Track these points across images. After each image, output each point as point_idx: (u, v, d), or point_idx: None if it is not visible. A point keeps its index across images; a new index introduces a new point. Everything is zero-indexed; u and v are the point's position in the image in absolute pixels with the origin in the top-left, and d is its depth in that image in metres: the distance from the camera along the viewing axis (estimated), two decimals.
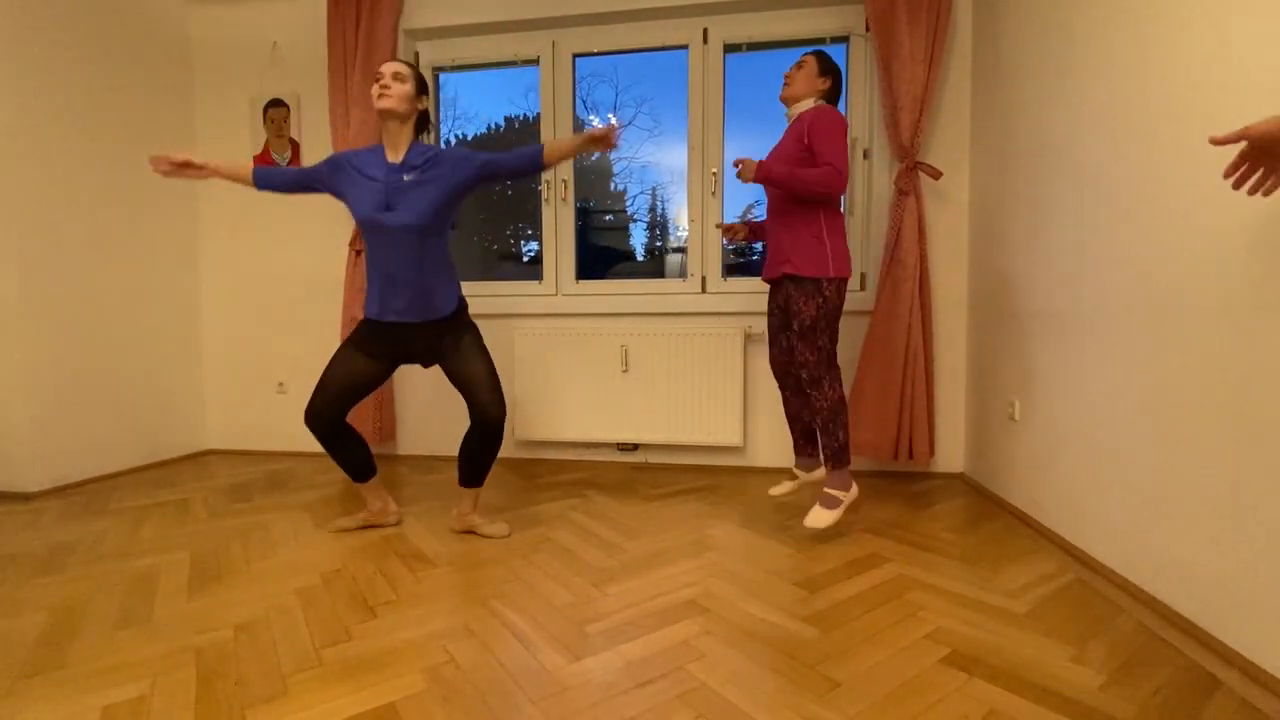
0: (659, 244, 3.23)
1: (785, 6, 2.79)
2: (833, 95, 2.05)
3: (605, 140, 1.87)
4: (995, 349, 2.40)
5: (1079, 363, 1.85)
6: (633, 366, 2.86)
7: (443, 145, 3.31)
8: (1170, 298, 1.48)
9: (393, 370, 2.06)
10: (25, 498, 2.53)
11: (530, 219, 3.31)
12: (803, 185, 1.88)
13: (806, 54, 2.06)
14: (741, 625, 1.47)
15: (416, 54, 3.15)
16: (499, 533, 2.06)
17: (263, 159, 3.22)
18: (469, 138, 3.36)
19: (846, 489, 1.98)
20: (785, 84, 2.07)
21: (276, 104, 3.19)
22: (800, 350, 1.96)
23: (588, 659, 1.34)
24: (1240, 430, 1.29)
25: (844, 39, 2.81)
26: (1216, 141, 0.99)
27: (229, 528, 2.18)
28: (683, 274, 3.03)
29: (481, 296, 3.13)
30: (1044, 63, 2.05)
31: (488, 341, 3.05)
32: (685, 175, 2.98)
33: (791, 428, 2.20)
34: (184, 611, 1.56)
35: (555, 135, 3.05)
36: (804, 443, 2.19)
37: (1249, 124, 0.95)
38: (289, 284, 3.25)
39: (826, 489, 1.98)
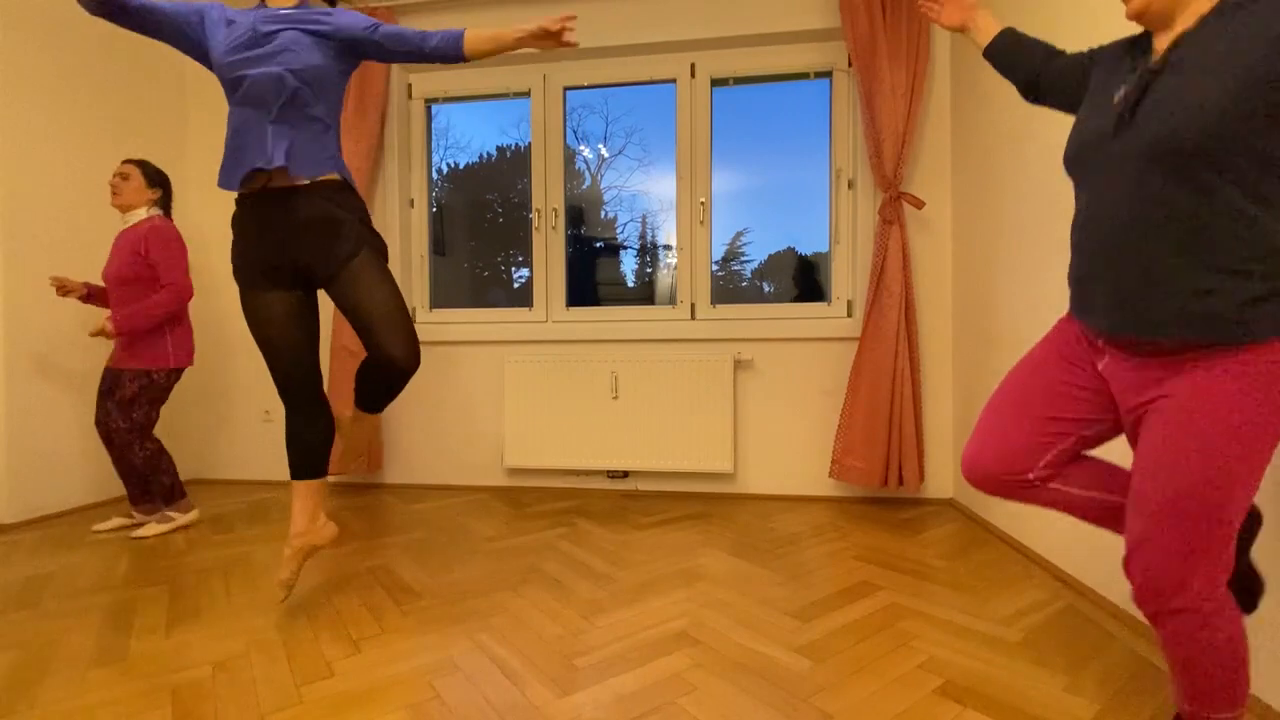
0: (649, 271, 3.26)
1: (770, 43, 2.88)
2: (165, 202, 2.40)
3: (558, 36, 1.55)
4: (981, 374, 2.43)
5: None
6: (623, 393, 2.86)
7: (434, 175, 3.34)
8: None
9: (310, 291, 1.68)
10: None
11: (521, 245, 3.33)
12: (158, 317, 2.27)
13: (129, 163, 2.34)
14: (733, 657, 1.45)
15: (409, 86, 3.20)
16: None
17: None
18: (460, 167, 3.40)
19: (186, 512, 2.47)
20: (113, 193, 2.32)
21: None
22: (114, 418, 2.31)
23: (577, 693, 1.31)
24: None
25: (827, 74, 2.89)
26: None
27: (209, 560, 2.13)
28: (672, 301, 3.06)
29: (471, 324, 3.13)
30: (1019, 97, 2.11)
31: (478, 369, 3.06)
32: (674, 204, 3.02)
33: (125, 483, 2.43)
34: (161, 648, 1.52)
35: (546, 166, 3.10)
36: (132, 494, 2.44)
37: None
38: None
39: (168, 513, 2.43)
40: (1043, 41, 1.26)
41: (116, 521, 2.47)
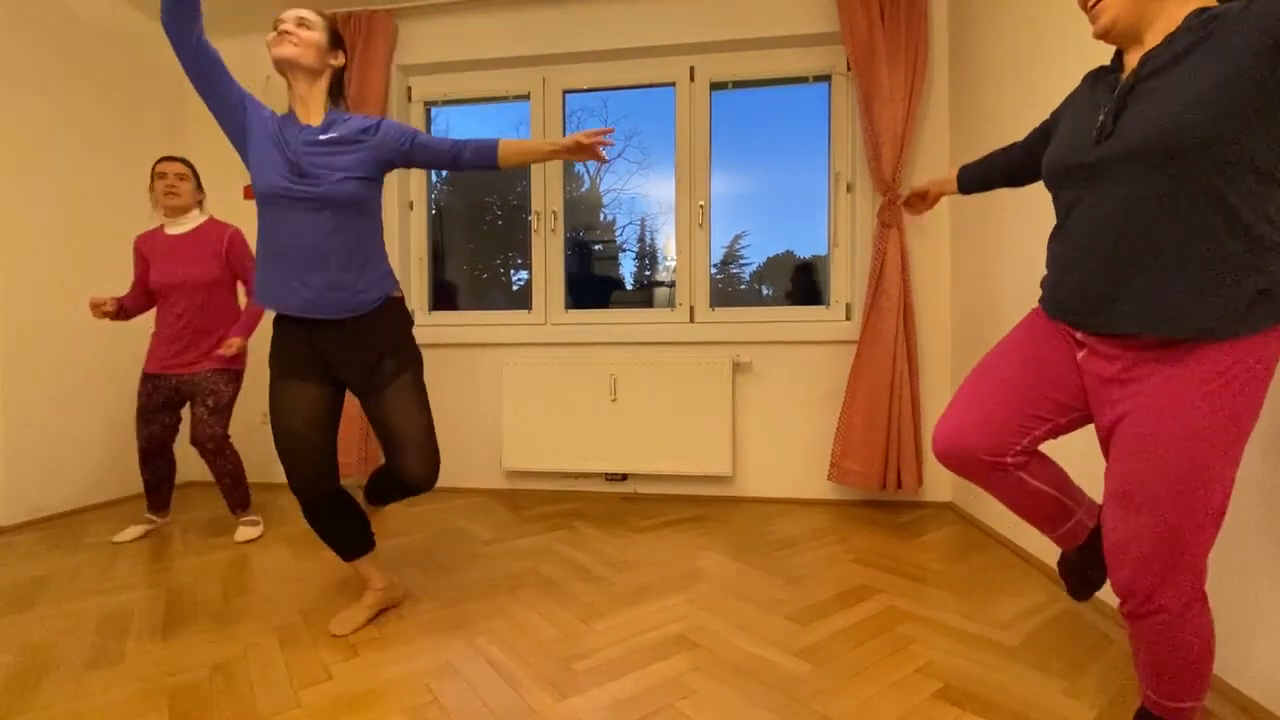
0: (648, 274, 3.26)
1: (769, 47, 2.89)
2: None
3: (591, 150, 1.57)
4: None
5: None
6: (621, 396, 2.86)
7: (433, 178, 3.34)
8: None
9: (340, 390, 1.63)
10: None
11: (520, 248, 3.33)
12: (257, 324, 2.35)
13: (180, 162, 2.30)
14: (732, 660, 1.45)
15: (409, 89, 3.20)
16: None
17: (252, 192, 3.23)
18: None
19: (256, 513, 2.53)
20: (171, 193, 2.26)
21: None
22: (211, 425, 2.29)
23: (575, 697, 1.31)
24: None
25: (826, 77, 2.90)
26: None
27: (206, 563, 2.12)
28: (671, 304, 3.06)
29: (470, 326, 3.13)
30: (1018, 100, 2.13)
31: (477, 371, 3.06)
32: (673, 207, 3.03)
33: (153, 493, 2.42)
34: (158, 651, 1.51)
35: (545, 168, 3.10)
36: (159, 501, 2.44)
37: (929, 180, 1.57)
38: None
39: (249, 517, 2.44)
40: (997, 149, 1.40)
41: (141, 529, 2.41)
